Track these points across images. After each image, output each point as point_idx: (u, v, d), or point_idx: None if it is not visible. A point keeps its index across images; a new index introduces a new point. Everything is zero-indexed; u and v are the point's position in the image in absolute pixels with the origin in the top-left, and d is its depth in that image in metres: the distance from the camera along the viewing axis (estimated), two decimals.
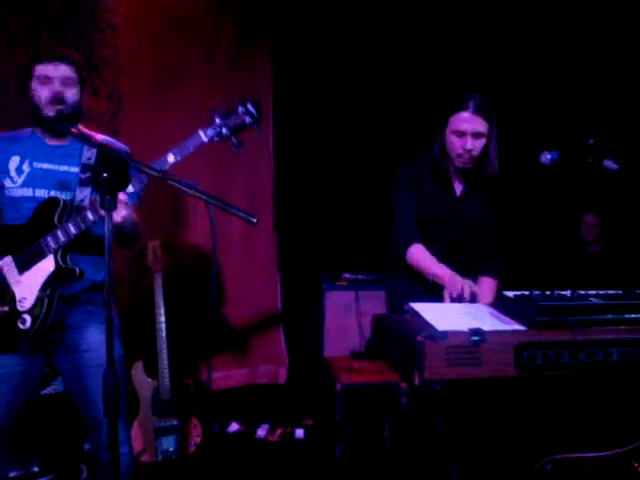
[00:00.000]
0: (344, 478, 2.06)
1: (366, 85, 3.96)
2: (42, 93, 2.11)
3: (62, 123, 2.10)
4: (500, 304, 1.86)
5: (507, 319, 1.75)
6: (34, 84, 2.13)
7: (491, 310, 1.87)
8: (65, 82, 2.13)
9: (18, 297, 2.07)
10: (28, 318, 2.04)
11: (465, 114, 2.28)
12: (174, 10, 3.83)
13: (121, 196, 1.86)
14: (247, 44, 4.02)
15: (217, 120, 1.82)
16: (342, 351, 3.33)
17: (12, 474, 2.62)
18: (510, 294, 1.81)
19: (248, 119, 1.79)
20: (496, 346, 1.58)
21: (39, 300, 2.04)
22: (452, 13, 3.87)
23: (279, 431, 3.60)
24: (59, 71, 2.12)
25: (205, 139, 1.85)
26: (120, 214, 1.91)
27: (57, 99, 2.10)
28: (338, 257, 3.86)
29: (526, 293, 1.78)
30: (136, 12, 3.73)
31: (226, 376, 3.90)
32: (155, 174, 1.42)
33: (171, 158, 1.86)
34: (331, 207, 3.99)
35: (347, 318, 3.58)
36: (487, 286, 2.40)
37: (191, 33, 3.87)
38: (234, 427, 3.66)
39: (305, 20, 3.99)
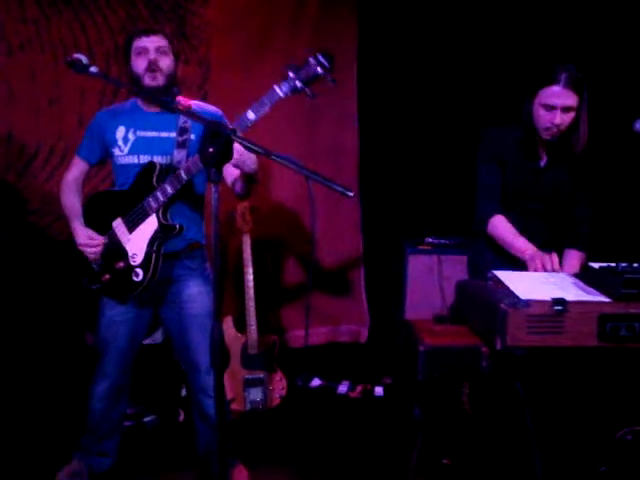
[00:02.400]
0: (423, 437, 2.14)
1: (452, 48, 3.88)
2: (140, 63, 2.27)
3: (160, 92, 2.26)
4: (585, 275, 1.86)
5: (591, 290, 1.76)
6: (133, 57, 2.29)
7: (575, 280, 1.88)
8: (159, 50, 2.28)
9: (130, 253, 2.30)
10: (140, 271, 2.27)
11: (556, 88, 2.24)
12: None
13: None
14: (332, 8, 4.02)
15: (290, 74, 1.88)
16: (423, 314, 3.41)
17: (128, 411, 2.89)
18: (595, 266, 1.81)
19: (319, 69, 1.84)
20: (579, 316, 1.61)
21: (148, 255, 2.26)
22: None
23: (359, 388, 3.71)
24: (153, 42, 2.27)
25: (281, 94, 1.92)
26: (236, 149, 1.94)
27: (153, 67, 2.25)
28: (421, 221, 3.87)
29: (612, 265, 1.77)
30: None
31: (310, 333, 4.05)
32: (259, 151, 1.52)
33: (251, 115, 1.97)
34: (414, 171, 3.98)
35: (429, 282, 3.60)
36: (573, 259, 2.37)
37: (276, 4, 3.91)
38: (316, 382, 3.81)
39: None
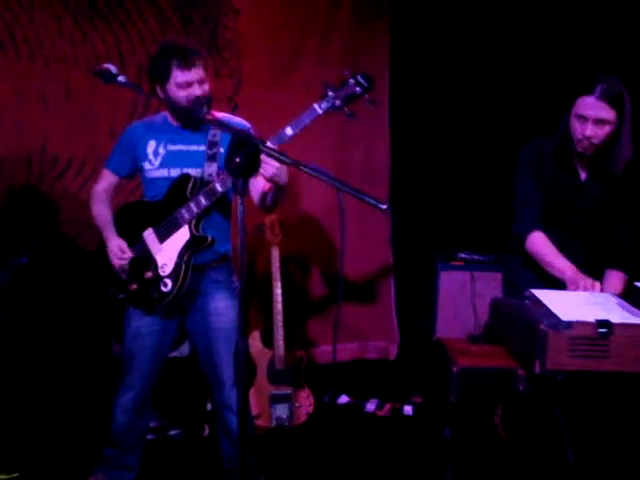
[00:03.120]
0: (454, 460, 2.06)
1: (488, 59, 3.82)
2: (182, 96, 2.23)
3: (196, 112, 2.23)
4: (630, 296, 1.77)
5: (638, 312, 1.66)
6: (173, 87, 2.23)
7: (620, 301, 1.78)
8: (201, 83, 2.25)
9: (160, 264, 2.30)
10: (169, 282, 2.26)
11: (589, 99, 2.16)
12: None
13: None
14: (364, 22, 4.00)
15: (330, 93, 1.94)
16: (455, 332, 3.34)
17: (152, 424, 2.89)
18: None
19: (359, 89, 1.92)
20: (625, 339, 1.52)
21: (177, 265, 2.26)
22: None
23: (388, 406, 3.64)
24: (195, 75, 2.23)
25: (320, 111, 1.97)
26: (274, 164, 1.97)
27: (199, 103, 2.21)
28: (453, 236, 3.80)
29: None
30: None
31: (338, 349, 3.99)
32: (287, 161, 1.48)
33: (289, 131, 2.00)
34: (447, 184, 3.92)
35: (461, 299, 3.53)
36: (614, 280, 2.27)
37: (308, 14, 3.91)
38: (344, 399, 3.74)
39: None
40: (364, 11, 4.00)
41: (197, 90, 2.23)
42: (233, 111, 3.56)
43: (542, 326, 1.55)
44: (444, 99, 3.90)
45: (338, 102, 1.92)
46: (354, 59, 3.96)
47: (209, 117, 1.74)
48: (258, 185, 2.29)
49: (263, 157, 1.97)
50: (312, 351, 3.90)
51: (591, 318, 1.56)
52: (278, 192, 2.24)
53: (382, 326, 4.10)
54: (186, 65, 2.21)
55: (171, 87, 2.24)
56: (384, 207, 1.42)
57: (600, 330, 1.52)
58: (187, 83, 2.23)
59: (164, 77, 2.23)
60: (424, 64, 3.93)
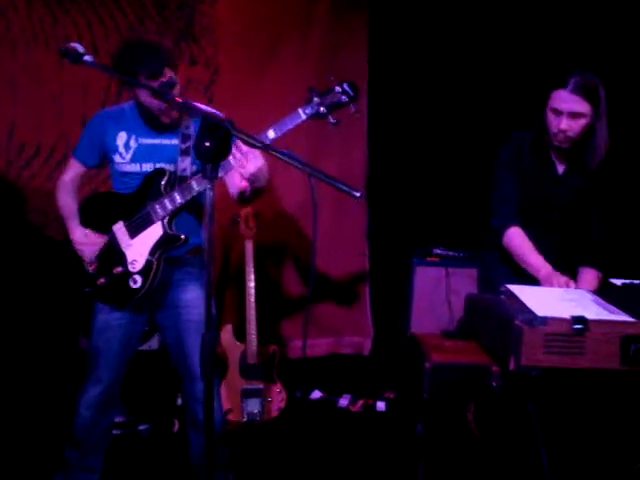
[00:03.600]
0: (426, 457, 2.05)
1: (462, 58, 3.80)
2: (149, 101, 2.15)
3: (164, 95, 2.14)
4: (606, 292, 1.76)
5: (613, 308, 1.65)
6: (144, 93, 2.14)
7: (595, 298, 1.77)
8: (173, 86, 2.15)
9: (129, 259, 2.23)
10: (139, 278, 2.20)
11: (563, 92, 2.16)
12: None
13: (254, 150, 1.93)
14: (343, 18, 3.94)
15: (315, 99, 1.92)
16: (429, 327, 3.32)
17: (119, 419, 2.83)
18: (617, 282, 1.70)
19: (344, 98, 1.92)
20: (601, 336, 1.50)
21: (149, 263, 2.20)
22: None
23: (361, 402, 3.62)
24: (164, 79, 2.10)
25: (304, 117, 1.96)
26: (256, 164, 1.98)
27: (166, 86, 2.11)
28: (429, 233, 3.78)
29: (635, 282, 1.67)
30: None
31: (311, 344, 3.96)
32: (258, 145, 1.43)
33: (271, 134, 1.98)
34: (423, 180, 3.90)
35: (436, 294, 3.51)
36: (588, 277, 2.25)
37: (287, 5, 3.85)
38: (317, 394, 3.71)
39: None
40: (343, 5, 3.96)
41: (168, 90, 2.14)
42: (209, 102, 3.50)
43: (517, 322, 1.52)
44: (421, 95, 3.88)
45: (323, 109, 1.92)
46: (333, 53, 3.92)
47: (179, 99, 1.67)
48: (236, 180, 2.23)
49: (245, 153, 1.94)
50: (285, 346, 3.86)
51: (566, 314, 1.54)
52: (256, 194, 2.21)
53: (357, 321, 4.07)
54: (153, 76, 2.10)
55: (140, 92, 2.16)
56: (358, 194, 1.39)
57: (575, 326, 1.50)
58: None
59: (131, 82, 2.14)
60: (402, 59, 3.90)
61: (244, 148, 1.95)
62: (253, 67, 3.81)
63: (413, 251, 3.68)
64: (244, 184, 2.16)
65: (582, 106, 2.15)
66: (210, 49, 3.75)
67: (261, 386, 3.24)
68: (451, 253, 3.59)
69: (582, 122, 2.18)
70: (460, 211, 3.73)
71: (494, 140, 2.50)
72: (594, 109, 2.17)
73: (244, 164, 1.97)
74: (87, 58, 1.78)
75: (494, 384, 1.72)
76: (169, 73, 2.14)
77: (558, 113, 2.18)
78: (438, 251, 3.61)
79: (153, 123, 2.26)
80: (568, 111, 2.16)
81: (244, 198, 2.24)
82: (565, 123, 2.16)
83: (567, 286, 2.04)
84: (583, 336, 1.50)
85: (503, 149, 2.40)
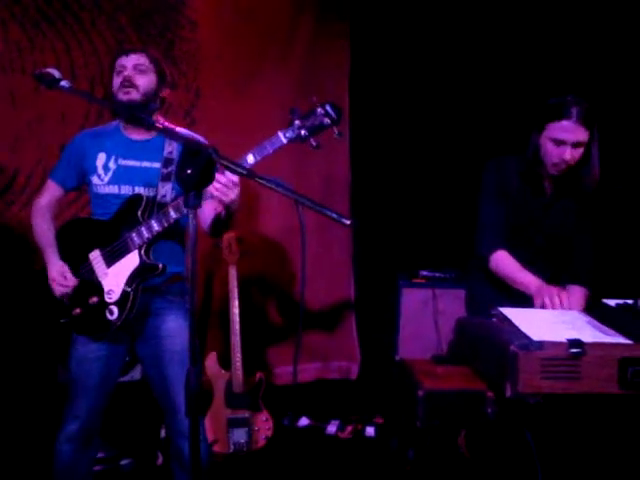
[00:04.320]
0: None
1: (446, 79, 3.82)
2: (116, 81, 2.16)
3: (137, 110, 2.13)
4: (600, 313, 1.72)
5: (608, 330, 1.62)
6: (113, 77, 2.18)
7: (589, 319, 1.74)
8: (136, 68, 2.16)
9: (106, 289, 2.16)
10: (115, 310, 2.12)
11: (566, 123, 2.13)
12: (251, 6, 3.82)
13: (234, 178, 1.87)
14: (324, 38, 3.96)
15: (296, 122, 1.83)
16: (417, 350, 3.28)
17: (100, 455, 2.72)
18: (612, 303, 1.67)
19: (327, 120, 1.82)
20: (598, 360, 1.46)
21: (125, 293, 2.12)
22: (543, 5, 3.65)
23: (349, 428, 3.56)
24: (131, 60, 2.16)
25: (284, 140, 1.86)
26: (236, 192, 1.91)
27: (127, 83, 2.13)
28: (415, 255, 3.76)
29: (629, 302, 1.64)
30: (214, 8, 3.76)
31: (299, 369, 3.89)
32: (242, 172, 1.39)
33: (251, 159, 1.88)
34: (408, 203, 3.89)
35: (423, 317, 3.48)
36: (577, 296, 2.22)
37: (268, 28, 3.85)
38: (304, 422, 3.64)
39: (385, 13, 3.88)
40: (324, 25, 3.97)
41: (128, 71, 2.14)
42: (190, 126, 3.46)
43: (513, 347, 1.48)
44: (405, 116, 3.89)
45: (304, 132, 1.82)
46: (314, 72, 3.93)
47: (158, 125, 1.62)
48: (207, 213, 2.17)
49: (226, 181, 1.88)
50: (272, 372, 3.79)
51: (562, 337, 1.51)
52: (230, 217, 2.14)
53: (343, 345, 4.02)
54: (124, 52, 2.16)
55: (113, 77, 2.17)
56: (348, 222, 1.34)
57: (572, 350, 1.46)
58: (122, 66, 2.14)
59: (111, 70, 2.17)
60: (384, 78, 3.91)
61: (223, 179, 1.88)
62: (235, 89, 3.80)
63: (399, 273, 3.65)
64: (220, 209, 2.10)
65: (584, 135, 2.14)
66: (191, 73, 3.74)
67: (247, 415, 3.16)
68: (437, 274, 3.58)
69: (581, 150, 2.18)
70: (446, 232, 3.71)
71: (478, 161, 2.49)
72: (591, 135, 2.17)
73: (227, 193, 1.90)
74: (63, 84, 1.74)
75: (489, 410, 1.68)
76: (139, 56, 2.17)
77: (561, 143, 2.15)
78: (425, 273, 3.59)
79: (130, 122, 2.22)
80: (573, 141, 2.14)
81: (219, 225, 2.16)
82: (569, 153, 2.14)
83: (560, 298, 2.01)
84: (580, 360, 1.46)
85: (487, 175, 2.37)
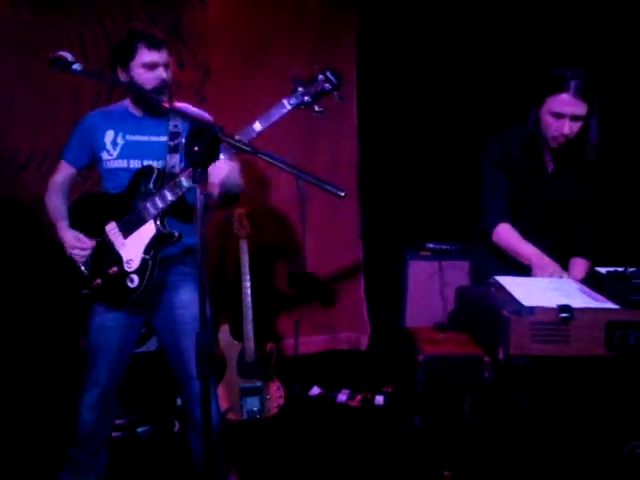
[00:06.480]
0: (423, 448, 2.07)
1: (449, 55, 3.83)
2: (149, 79, 2.20)
3: (156, 99, 2.20)
4: (591, 281, 1.79)
5: (598, 296, 1.68)
6: (138, 69, 2.19)
7: (581, 287, 1.80)
8: (166, 66, 2.22)
9: (125, 259, 2.23)
10: (136, 278, 2.20)
11: (565, 96, 2.16)
12: None
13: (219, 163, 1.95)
14: (332, 15, 3.98)
15: (299, 89, 1.92)
16: (424, 321, 3.33)
17: (118, 422, 2.83)
18: (602, 270, 1.73)
19: (328, 86, 1.90)
20: (586, 324, 1.53)
21: (144, 261, 2.20)
22: None
23: (359, 397, 3.64)
24: (162, 58, 2.20)
25: (289, 107, 1.95)
26: (219, 175, 2.00)
27: (165, 86, 2.20)
28: (422, 228, 3.81)
29: (620, 270, 1.70)
30: None
31: (308, 341, 3.99)
32: (246, 149, 1.46)
33: (258, 126, 1.97)
34: (414, 177, 3.93)
35: (430, 288, 3.54)
36: (579, 267, 2.30)
37: (276, 6, 3.87)
38: (315, 391, 3.73)
39: None
40: (331, 6, 3.98)
41: (163, 73, 2.19)
42: (201, 103, 3.52)
43: (505, 312, 1.55)
44: (410, 92, 3.91)
45: (307, 98, 1.91)
46: (322, 52, 3.95)
47: (167, 105, 1.69)
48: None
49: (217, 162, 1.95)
50: (282, 343, 3.89)
51: (552, 303, 1.57)
52: (229, 200, 2.24)
53: (353, 317, 4.10)
54: (154, 45, 2.19)
55: (136, 67, 2.19)
56: (342, 194, 1.41)
57: (561, 315, 1.53)
58: (154, 63, 2.18)
59: (129, 56, 2.18)
60: (391, 57, 3.93)
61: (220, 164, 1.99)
62: (244, 68, 3.84)
63: (406, 246, 3.71)
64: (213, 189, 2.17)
65: (583, 108, 2.17)
66: (200, 52, 3.78)
67: (259, 384, 3.26)
68: (444, 247, 3.62)
69: (581, 123, 2.20)
70: (452, 204, 3.76)
71: (481, 136, 2.52)
72: (590, 108, 2.19)
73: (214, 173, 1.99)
74: (76, 67, 1.81)
75: (486, 375, 1.75)
76: (166, 54, 2.21)
77: (560, 116, 2.18)
78: (431, 245, 3.63)
79: (146, 109, 2.27)
80: (571, 114, 2.17)
81: (220, 201, 2.23)
82: (568, 126, 2.18)
83: (559, 274, 2.07)
84: (569, 324, 1.53)
85: (489, 149, 2.40)
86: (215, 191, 2.12)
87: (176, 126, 2.26)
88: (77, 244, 2.29)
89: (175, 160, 2.24)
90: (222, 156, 1.96)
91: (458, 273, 3.45)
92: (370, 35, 3.97)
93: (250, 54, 3.85)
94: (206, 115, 2.34)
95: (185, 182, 2.12)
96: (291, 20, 3.93)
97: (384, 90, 3.96)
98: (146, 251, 2.20)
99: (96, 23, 3.57)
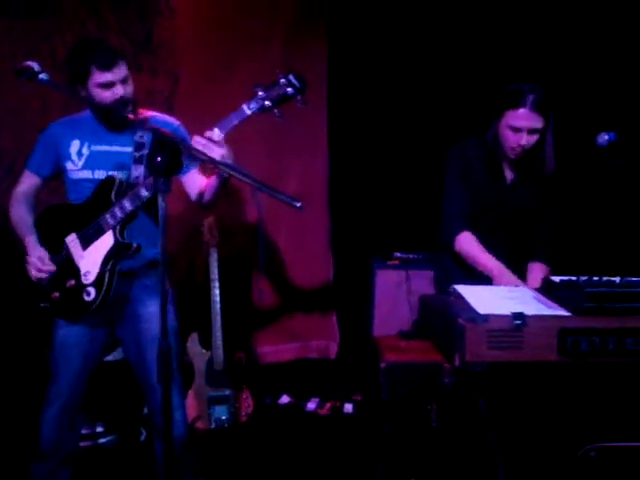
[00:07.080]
0: (388, 456, 2.10)
1: (419, 67, 3.91)
2: (106, 96, 2.15)
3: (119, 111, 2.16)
4: (546, 289, 1.85)
5: (552, 304, 1.74)
6: (95, 88, 2.14)
7: (536, 295, 1.86)
8: (124, 82, 2.17)
9: (82, 271, 2.20)
10: (92, 291, 2.16)
11: (522, 111, 2.26)
12: None
13: (214, 136, 1.89)
14: (302, 25, 4.01)
15: (259, 93, 1.85)
16: (392, 328, 3.35)
17: (85, 431, 2.82)
18: (556, 279, 1.79)
19: (290, 90, 1.81)
20: (539, 330, 1.59)
21: (101, 273, 2.16)
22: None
23: (328, 405, 3.67)
24: (117, 75, 2.14)
25: (248, 112, 1.89)
26: (218, 153, 1.88)
27: (125, 102, 2.15)
28: (390, 237, 3.86)
29: (573, 278, 1.76)
30: None
31: (277, 350, 4.00)
32: (204, 159, 1.48)
33: (217, 132, 1.91)
34: (382, 189, 3.99)
35: (397, 297, 3.58)
36: (537, 272, 2.37)
37: (247, 14, 3.90)
38: (285, 399, 3.75)
39: (362, 2, 3.97)
40: (302, 13, 4.03)
41: (120, 90, 2.15)
42: (170, 111, 3.53)
43: (460, 320, 1.60)
44: (378, 104, 3.97)
45: (268, 103, 1.83)
46: (293, 59, 3.98)
47: (131, 116, 1.70)
48: (197, 183, 2.24)
49: (205, 144, 1.87)
50: (252, 352, 3.89)
51: (507, 311, 1.63)
52: (220, 187, 2.17)
53: (322, 326, 4.12)
54: (106, 65, 2.12)
55: (92, 87, 2.15)
56: (298, 205, 1.43)
57: (515, 322, 1.58)
58: (109, 83, 2.14)
59: (83, 77, 2.14)
60: (360, 69, 3.98)
61: (202, 140, 1.88)
62: (213, 75, 3.84)
63: (375, 255, 3.75)
64: (203, 182, 2.15)
65: (539, 122, 2.27)
66: (170, 60, 3.79)
67: (228, 392, 3.27)
68: (411, 256, 3.66)
69: (537, 136, 2.30)
70: (419, 214, 3.81)
71: (445, 147, 2.59)
72: (546, 121, 2.29)
73: (212, 148, 1.87)
74: (42, 76, 1.81)
75: (446, 381, 1.78)
76: (122, 69, 2.15)
77: (517, 130, 2.28)
78: (398, 254, 3.67)
79: (110, 124, 2.24)
80: (528, 128, 2.26)
81: (204, 199, 2.22)
82: (525, 139, 2.27)
83: (516, 286, 2.14)
84: (522, 331, 1.58)
85: (450, 161, 2.48)
86: (208, 181, 2.08)
87: (142, 137, 2.23)
88: (39, 265, 2.24)
89: (140, 171, 2.20)
90: (218, 132, 1.90)
91: (424, 282, 3.48)
92: (340, 45, 4.02)
93: (219, 62, 3.87)
94: (174, 122, 2.34)
95: (144, 192, 2.08)
96: (263, 28, 3.96)
97: (352, 103, 4.01)
98: (104, 263, 2.16)
99: (66, 31, 3.56)
